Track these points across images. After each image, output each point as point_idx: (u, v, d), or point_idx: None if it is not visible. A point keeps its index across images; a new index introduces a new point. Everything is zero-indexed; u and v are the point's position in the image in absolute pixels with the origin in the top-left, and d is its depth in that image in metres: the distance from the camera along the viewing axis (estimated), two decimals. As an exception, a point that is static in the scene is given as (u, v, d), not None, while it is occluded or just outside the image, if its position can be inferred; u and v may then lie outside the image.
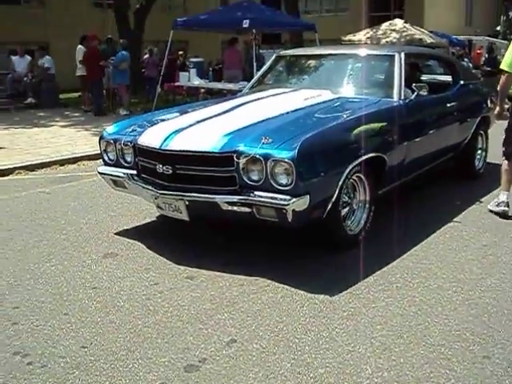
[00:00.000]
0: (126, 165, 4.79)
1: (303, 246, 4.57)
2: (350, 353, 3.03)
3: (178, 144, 4.22)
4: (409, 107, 5.07)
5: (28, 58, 15.69)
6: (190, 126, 4.48)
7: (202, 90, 14.15)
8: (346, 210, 4.40)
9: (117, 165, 4.87)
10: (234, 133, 4.16)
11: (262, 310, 3.53)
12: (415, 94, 5.16)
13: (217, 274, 4.05)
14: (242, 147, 3.94)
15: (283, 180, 3.80)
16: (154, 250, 4.54)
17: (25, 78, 15.24)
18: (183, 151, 4.18)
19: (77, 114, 13.35)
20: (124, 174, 4.76)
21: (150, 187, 4.46)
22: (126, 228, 5.17)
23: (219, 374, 2.87)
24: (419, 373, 2.84)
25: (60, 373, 2.92)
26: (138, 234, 5.00)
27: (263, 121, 4.43)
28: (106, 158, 5.00)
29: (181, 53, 17.86)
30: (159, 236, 4.95)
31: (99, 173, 5.07)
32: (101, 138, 5.03)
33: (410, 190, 5.36)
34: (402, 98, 5.09)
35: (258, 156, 3.83)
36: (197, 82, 13.69)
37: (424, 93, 5.18)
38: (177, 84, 14.59)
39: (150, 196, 4.54)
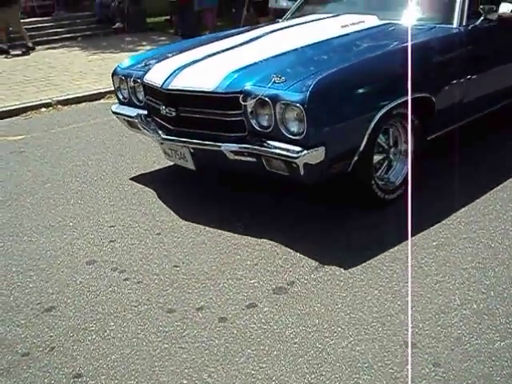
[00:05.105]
0: (138, 104, 4.33)
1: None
2: (439, 283, 2.99)
3: (180, 82, 3.67)
4: (471, 35, 4.11)
5: (115, -18, 15.74)
6: (198, 61, 3.88)
7: (290, 13, 13.79)
8: (381, 160, 3.79)
9: (130, 104, 4.44)
10: (244, 69, 3.56)
11: (348, 236, 3.53)
12: (481, 18, 4.17)
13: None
14: (249, 87, 3.37)
15: (294, 128, 3.22)
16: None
17: (112, 3, 15.38)
18: (185, 91, 3.64)
19: (163, 38, 13.36)
20: (135, 114, 4.30)
21: (156, 131, 3.96)
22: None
23: (307, 297, 2.93)
24: (510, 308, 2.77)
25: (154, 289, 3.08)
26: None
27: (282, 54, 3.77)
28: (120, 96, 4.58)
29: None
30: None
31: (113, 112, 4.65)
32: (113, 73, 4.56)
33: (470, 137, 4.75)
34: (464, 23, 4.12)
35: (265, 98, 3.26)
36: (284, 3, 13.31)
37: (493, 17, 4.17)
38: (264, 6, 14.25)
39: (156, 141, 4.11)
